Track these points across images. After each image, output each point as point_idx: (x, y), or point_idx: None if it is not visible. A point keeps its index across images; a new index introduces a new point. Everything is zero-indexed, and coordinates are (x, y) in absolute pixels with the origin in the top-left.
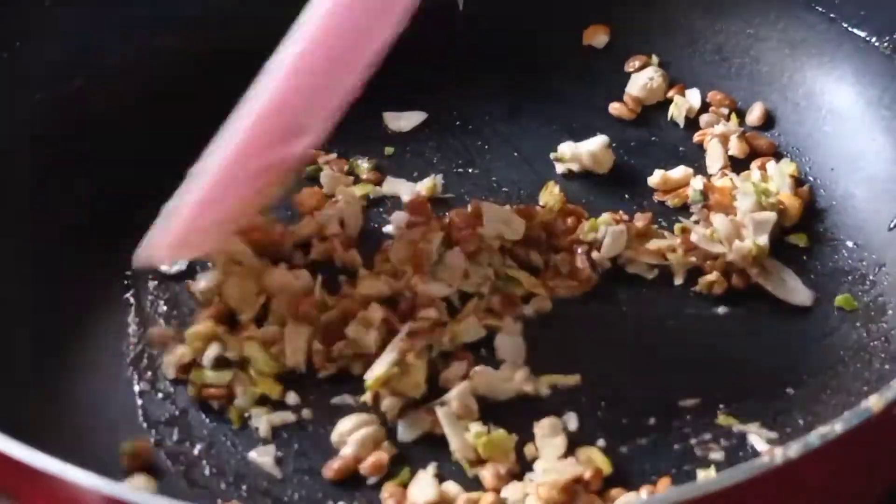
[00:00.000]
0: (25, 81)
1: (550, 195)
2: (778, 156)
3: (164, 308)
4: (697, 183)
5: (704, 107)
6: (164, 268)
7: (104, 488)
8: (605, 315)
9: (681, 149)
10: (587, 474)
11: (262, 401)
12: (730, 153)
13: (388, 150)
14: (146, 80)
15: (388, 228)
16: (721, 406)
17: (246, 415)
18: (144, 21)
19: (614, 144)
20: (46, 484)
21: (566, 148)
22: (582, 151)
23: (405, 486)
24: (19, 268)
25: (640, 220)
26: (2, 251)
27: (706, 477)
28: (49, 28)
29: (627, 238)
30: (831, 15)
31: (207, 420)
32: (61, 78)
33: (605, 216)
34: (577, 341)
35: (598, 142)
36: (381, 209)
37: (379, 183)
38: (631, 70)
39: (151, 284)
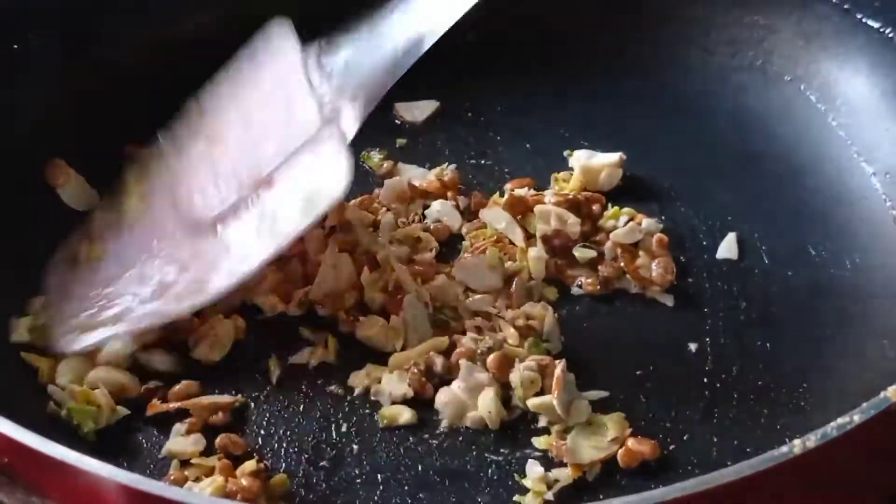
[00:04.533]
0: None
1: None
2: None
3: None
4: None
5: None
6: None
7: (121, 478)
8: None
9: None
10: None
11: None
12: None
13: (400, 141)
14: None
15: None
16: (735, 395)
17: None
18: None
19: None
20: (65, 473)
21: (581, 156)
22: (594, 164)
23: None
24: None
25: None
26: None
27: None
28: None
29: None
30: (845, 6)
31: None
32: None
33: (628, 209)
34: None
35: (611, 158)
36: None
37: (391, 172)
38: None
39: None
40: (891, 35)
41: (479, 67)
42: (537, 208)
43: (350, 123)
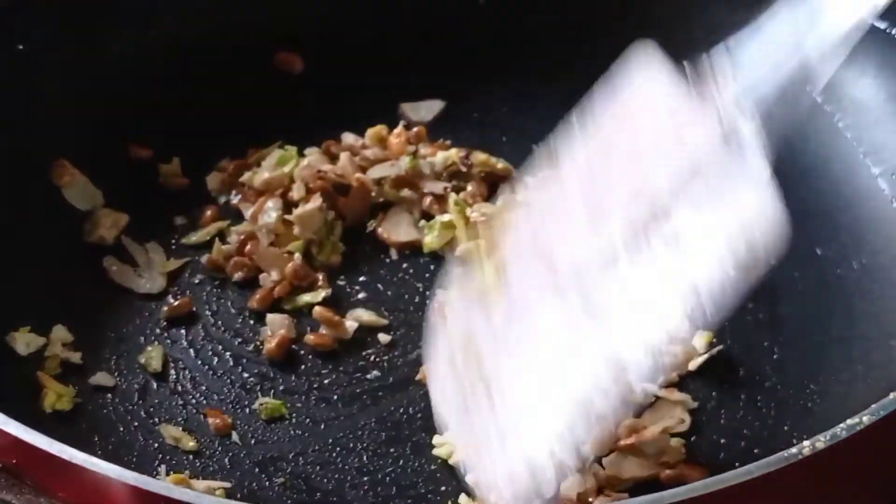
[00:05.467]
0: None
1: None
2: None
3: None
4: None
5: None
6: None
7: (129, 478)
8: None
9: None
10: None
11: None
12: None
13: None
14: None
15: None
16: (742, 397)
17: None
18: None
19: None
20: (73, 474)
21: None
22: None
23: None
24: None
25: None
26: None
27: None
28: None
29: None
30: None
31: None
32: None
33: None
34: None
35: None
36: None
37: None
38: None
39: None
40: None
41: (484, 67)
42: None
43: (756, 157)
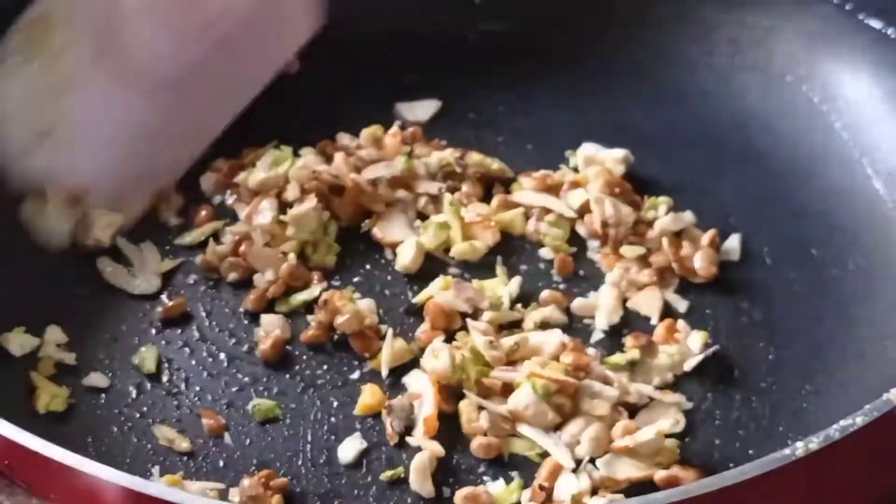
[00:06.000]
0: None
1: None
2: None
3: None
4: None
5: None
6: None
7: (122, 480)
8: None
9: None
10: None
11: None
12: None
13: None
14: None
15: None
16: (737, 397)
17: None
18: None
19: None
20: (66, 476)
21: (589, 150)
22: (603, 157)
23: None
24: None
25: None
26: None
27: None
28: None
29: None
30: (847, 7)
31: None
32: None
33: (665, 198)
34: None
35: (616, 154)
36: None
37: None
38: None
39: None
40: (892, 35)
41: (480, 67)
42: (593, 196)
43: None
